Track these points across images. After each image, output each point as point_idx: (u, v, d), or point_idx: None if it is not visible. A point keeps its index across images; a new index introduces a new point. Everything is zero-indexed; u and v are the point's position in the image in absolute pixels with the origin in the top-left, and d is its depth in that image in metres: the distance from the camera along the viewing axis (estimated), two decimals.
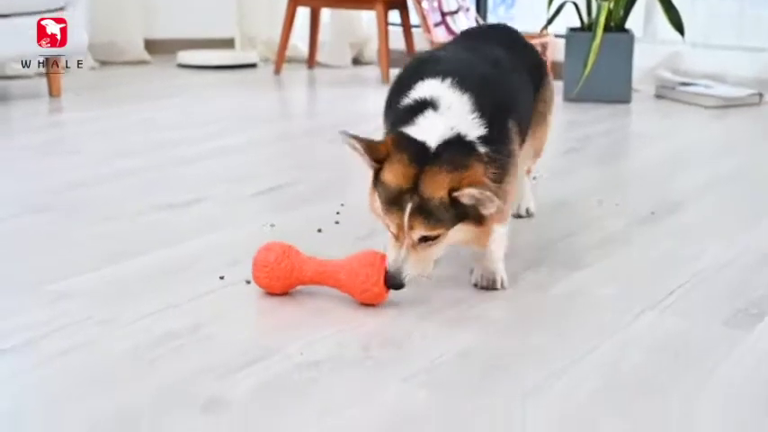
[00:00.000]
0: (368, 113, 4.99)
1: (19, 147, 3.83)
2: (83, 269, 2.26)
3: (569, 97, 4.90)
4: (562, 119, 4.50)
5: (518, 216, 2.73)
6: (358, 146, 1.98)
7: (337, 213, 2.77)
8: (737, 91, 4.95)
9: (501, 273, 2.21)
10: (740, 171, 3.52)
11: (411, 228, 1.94)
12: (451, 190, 1.92)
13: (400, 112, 2.08)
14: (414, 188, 1.93)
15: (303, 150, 3.96)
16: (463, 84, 2.08)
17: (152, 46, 6.46)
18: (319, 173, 3.41)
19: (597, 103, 4.83)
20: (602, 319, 2.03)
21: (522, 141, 2.31)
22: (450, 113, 2.03)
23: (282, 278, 2.10)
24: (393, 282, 2.00)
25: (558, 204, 2.91)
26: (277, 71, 5.82)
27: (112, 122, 4.37)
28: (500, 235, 2.17)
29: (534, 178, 2.92)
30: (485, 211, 1.95)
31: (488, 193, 1.90)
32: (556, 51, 5.39)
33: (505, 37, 2.57)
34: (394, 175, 1.96)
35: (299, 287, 2.15)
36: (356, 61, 6.38)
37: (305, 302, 2.10)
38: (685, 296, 2.17)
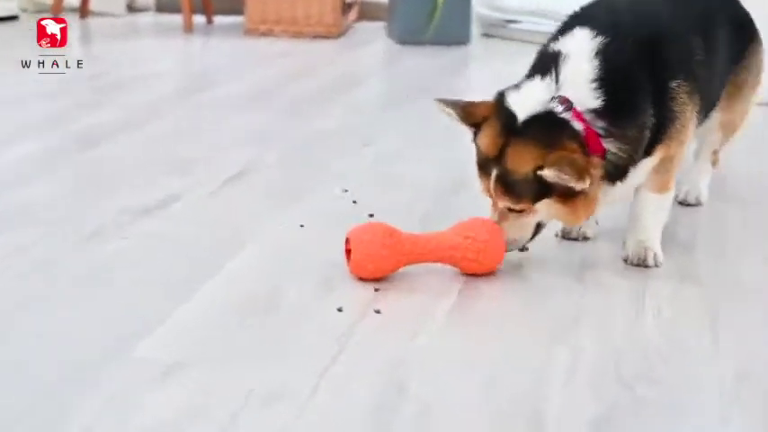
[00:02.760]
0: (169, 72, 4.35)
1: None
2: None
3: (407, 40, 4.75)
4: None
5: (685, 204, 2.39)
6: (453, 114, 1.93)
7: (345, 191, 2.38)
8: None
9: (654, 247, 2.01)
10: None
11: (496, 196, 1.90)
12: (537, 168, 1.80)
13: (534, 62, 1.96)
14: (499, 158, 1.85)
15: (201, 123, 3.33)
16: (607, 44, 1.89)
17: None
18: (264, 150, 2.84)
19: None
20: None
21: (701, 113, 2.05)
22: (565, 80, 1.86)
23: (392, 254, 1.85)
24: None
25: None
26: None
27: None
28: (655, 203, 2.02)
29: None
30: (577, 187, 1.79)
31: (568, 176, 1.76)
32: None
33: None
34: (483, 141, 1.89)
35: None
36: (130, 8, 5.69)
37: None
38: None
